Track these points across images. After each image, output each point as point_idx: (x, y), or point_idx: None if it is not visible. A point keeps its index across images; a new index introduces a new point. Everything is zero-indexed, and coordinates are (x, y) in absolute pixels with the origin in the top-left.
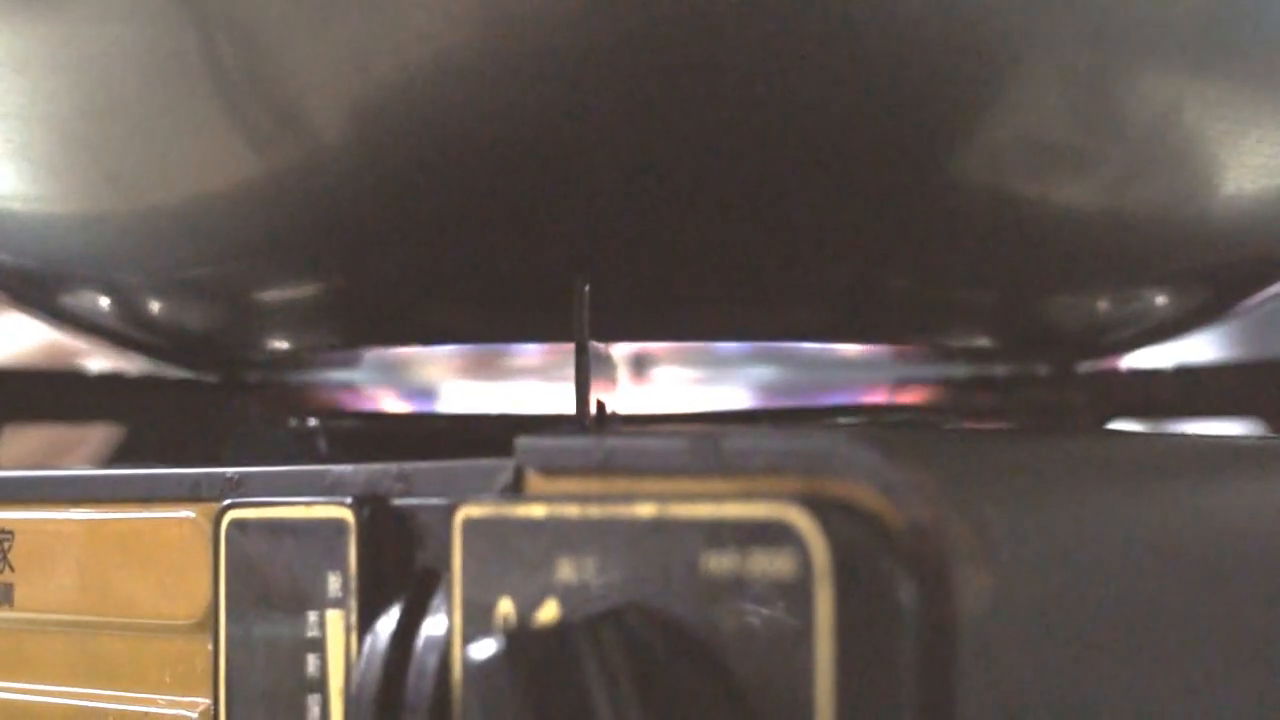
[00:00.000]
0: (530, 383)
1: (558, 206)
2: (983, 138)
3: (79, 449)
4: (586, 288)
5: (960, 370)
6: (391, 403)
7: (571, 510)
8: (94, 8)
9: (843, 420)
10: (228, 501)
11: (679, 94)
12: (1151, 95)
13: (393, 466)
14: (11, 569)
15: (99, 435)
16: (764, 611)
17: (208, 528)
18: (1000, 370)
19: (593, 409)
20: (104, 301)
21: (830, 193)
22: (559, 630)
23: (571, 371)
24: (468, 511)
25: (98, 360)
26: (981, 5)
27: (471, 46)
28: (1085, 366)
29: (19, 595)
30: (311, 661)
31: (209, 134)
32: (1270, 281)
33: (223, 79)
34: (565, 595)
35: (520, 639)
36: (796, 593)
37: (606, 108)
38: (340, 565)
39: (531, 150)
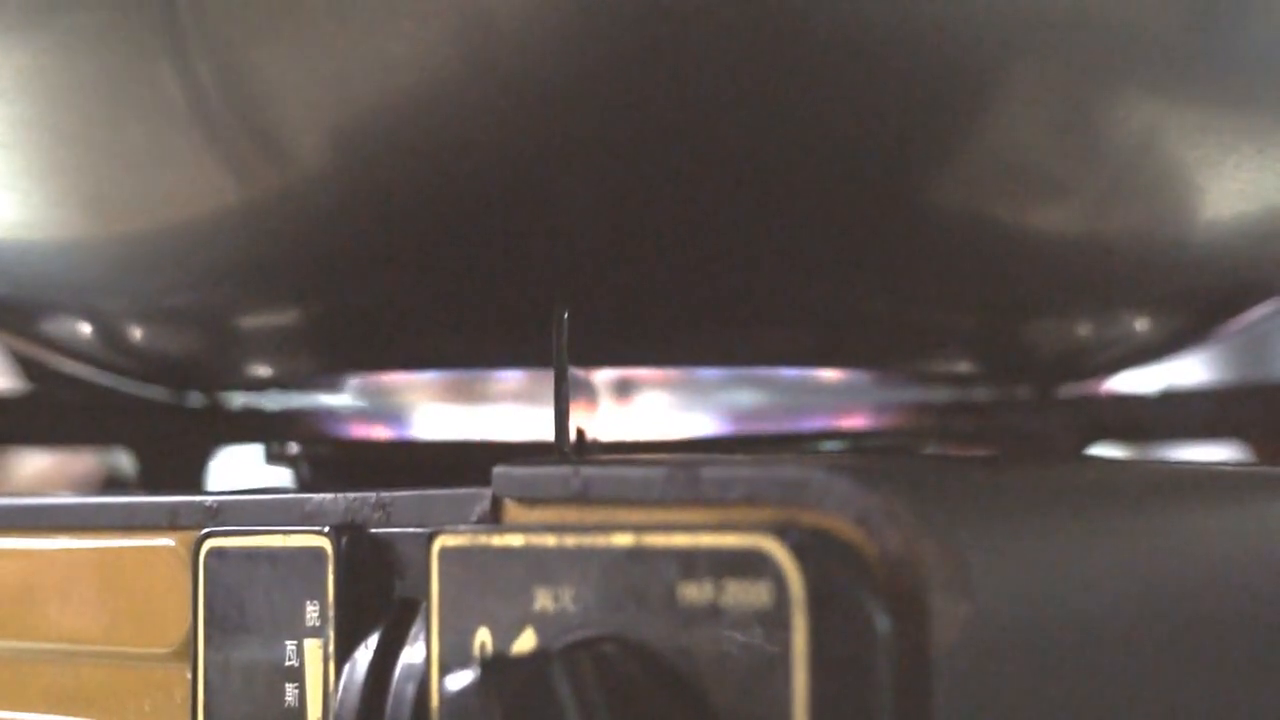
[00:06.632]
0: (511, 407)
1: (537, 232)
2: (961, 163)
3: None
4: (566, 314)
5: (940, 395)
6: (372, 428)
7: (549, 540)
8: (72, 35)
9: (823, 446)
10: (206, 530)
11: (658, 121)
12: (1129, 120)
13: (371, 495)
14: None
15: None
16: (740, 640)
17: (186, 556)
18: (980, 394)
19: (572, 435)
20: (84, 328)
21: (809, 218)
22: (536, 659)
23: (552, 396)
24: (445, 541)
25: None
26: (959, 31)
27: (451, 74)
28: (1066, 390)
29: None
30: (290, 691)
31: (189, 161)
32: (1250, 305)
33: (202, 106)
34: (543, 624)
35: (497, 668)
36: (773, 622)
37: (586, 134)
38: (318, 594)
39: (511, 176)
